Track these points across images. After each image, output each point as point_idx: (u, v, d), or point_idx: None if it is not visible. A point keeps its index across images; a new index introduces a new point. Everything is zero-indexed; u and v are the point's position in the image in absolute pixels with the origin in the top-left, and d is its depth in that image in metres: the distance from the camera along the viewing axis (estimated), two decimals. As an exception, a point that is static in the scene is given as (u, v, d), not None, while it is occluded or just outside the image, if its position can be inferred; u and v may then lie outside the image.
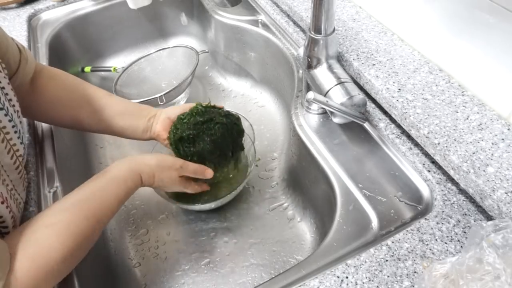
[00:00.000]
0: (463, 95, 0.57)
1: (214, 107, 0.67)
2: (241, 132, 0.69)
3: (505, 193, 0.46)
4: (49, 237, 0.43)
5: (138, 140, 0.68)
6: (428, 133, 0.53)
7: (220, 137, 0.64)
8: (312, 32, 0.57)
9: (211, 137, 0.63)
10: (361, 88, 0.63)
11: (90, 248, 0.49)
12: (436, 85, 0.59)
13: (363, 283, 0.45)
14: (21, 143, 0.51)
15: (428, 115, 0.55)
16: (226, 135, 0.65)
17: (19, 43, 0.58)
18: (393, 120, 0.61)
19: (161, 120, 0.66)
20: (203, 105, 0.66)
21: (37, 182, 0.61)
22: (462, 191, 0.52)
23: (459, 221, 0.49)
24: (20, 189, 0.51)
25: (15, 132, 0.49)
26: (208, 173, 0.64)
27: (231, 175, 0.72)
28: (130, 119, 0.65)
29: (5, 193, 0.45)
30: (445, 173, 0.54)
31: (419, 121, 0.54)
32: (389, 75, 0.62)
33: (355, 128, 0.64)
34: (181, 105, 0.69)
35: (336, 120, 0.60)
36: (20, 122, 0.52)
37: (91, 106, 0.63)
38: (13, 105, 0.50)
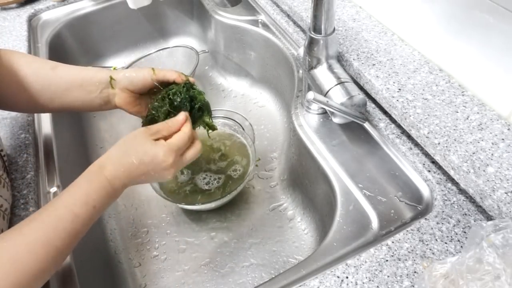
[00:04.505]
0: (463, 95, 0.57)
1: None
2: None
3: (505, 193, 0.46)
4: None
5: None
6: (428, 133, 0.53)
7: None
8: (312, 32, 0.57)
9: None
10: (361, 88, 0.63)
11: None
12: (436, 85, 0.59)
13: (363, 283, 0.45)
14: None
15: (428, 115, 0.55)
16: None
17: None
18: (393, 120, 0.61)
19: (119, 93, 0.60)
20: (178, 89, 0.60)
21: (37, 182, 0.61)
22: (462, 191, 0.52)
23: (459, 221, 0.49)
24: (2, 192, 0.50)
25: None
26: (181, 119, 0.55)
27: None
28: (80, 93, 0.59)
29: None
30: (445, 173, 0.54)
31: (419, 121, 0.54)
32: (389, 75, 0.62)
33: (355, 128, 0.64)
34: (134, 70, 0.61)
35: (336, 120, 0.60)
36: None
37: (38, 84, 0.57)
38: None
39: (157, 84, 0.60)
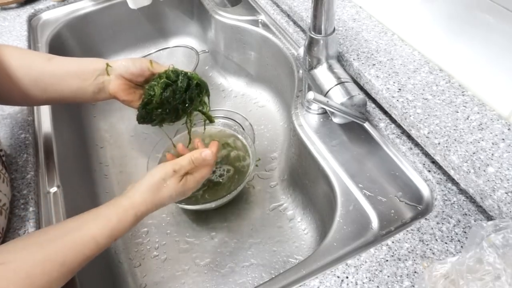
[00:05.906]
0: (463, 95, 0.57)
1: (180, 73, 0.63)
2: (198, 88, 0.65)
3: (505, 193, 0.46)
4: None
5: (137, 140, 0.67)
6: (428, 133, 0.53)
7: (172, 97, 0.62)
8: (312, 32, 0.57)
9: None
10: (361, 88, 0.63)
11: None
12: (436, 85, 0.59)
13: (363, 283, 0.45)
14: None
15: (428, 115, 0.55)
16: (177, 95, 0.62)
17: None
18: (393, 120, 0.61)
19: (114, 80, 0.61)
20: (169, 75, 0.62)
21: (37, 182, 0.61)
22: (462, 191, 0.52)
23: (459, 221, 0.49)
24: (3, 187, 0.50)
25: None
26: (208, 154, 0.59)
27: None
28: (74, 81, 0.59)
29: None
30: (445, 173, 0.54)
31: (419, 121, 0.54)
32: (389, 75, 0.62)
33: (355, 128, 0.64)
34: (131, 59, 0.63)
35: (336, 120, 0.60)
36: None
37: (32, 76, 0.58)
38: None
39: (154, 73, 0.62)
